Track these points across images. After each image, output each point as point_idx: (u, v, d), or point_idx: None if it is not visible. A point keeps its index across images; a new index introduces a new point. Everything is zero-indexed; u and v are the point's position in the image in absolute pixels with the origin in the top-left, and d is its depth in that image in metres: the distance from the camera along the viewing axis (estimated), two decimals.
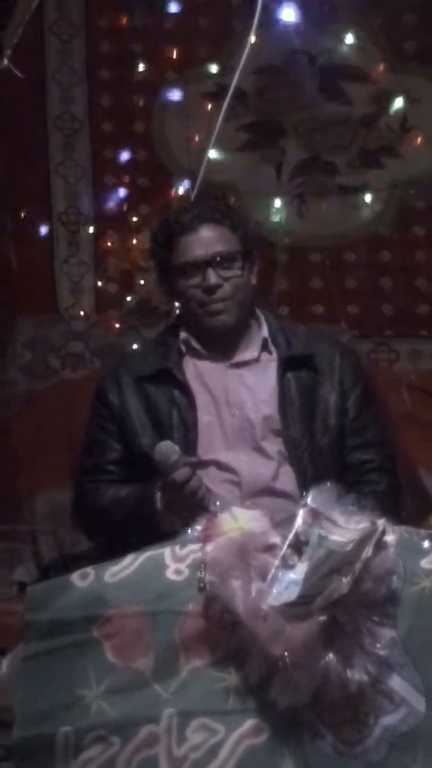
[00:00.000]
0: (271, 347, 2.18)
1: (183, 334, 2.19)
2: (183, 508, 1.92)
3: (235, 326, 2.15)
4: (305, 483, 1.95)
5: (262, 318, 2.22)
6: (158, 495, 1.98)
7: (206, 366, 2.17)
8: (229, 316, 2.13)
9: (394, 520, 1.66)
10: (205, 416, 2.10)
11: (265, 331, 2.19)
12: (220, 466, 2.06)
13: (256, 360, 2.17)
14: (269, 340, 2.18)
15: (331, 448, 2.10)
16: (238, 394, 2.12)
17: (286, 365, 2.14)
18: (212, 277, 2.11)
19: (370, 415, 2.19)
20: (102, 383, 2.21)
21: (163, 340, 2.26)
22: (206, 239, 2.13)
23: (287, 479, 2.05)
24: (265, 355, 2.18)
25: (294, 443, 2.08)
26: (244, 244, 2.17)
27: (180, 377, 2.13)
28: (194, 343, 2.18)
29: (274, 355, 2.16)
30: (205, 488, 1.96)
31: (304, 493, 1.74)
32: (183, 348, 2.18)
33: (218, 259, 2.11)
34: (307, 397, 2.12)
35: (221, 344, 2.17)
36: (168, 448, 1.94)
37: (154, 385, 2.14)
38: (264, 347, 2.18)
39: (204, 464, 2.03)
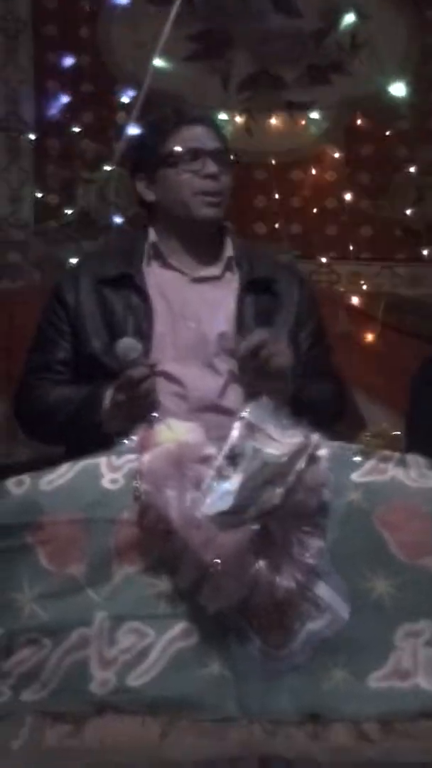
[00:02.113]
0: (235, 268, 2.17)
1: (153, 237, 2.16)
2: (132, 409, 1.91)
3: (217, 224, 2.15)
4: None
5: (228, 238, 2.20)
6: (108, 393, 1.97)
7: (168, 276, 2.15)
8: (220, 211, 2.14)
9: (332, 429, 1.68)
10: (160, 326, 2.09)
11: (230, 251, 2.18)
12: (169, 377, 2.05)
13: (219, 278, 2.16)
14: (234, 260, 2.17)
15: None
16: (197, 308, 2.11)
17: (247, 287, 2.14)
18: (212, 165, 2.11)
19: (323, 347, 2.21)
20: (60, 282, 2.18)
21: (127, 244, 2.23)
22: (206, 134, 2.16)
23: (234, 398, 2.05)
24: (228, 275, 2.17)
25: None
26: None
27: (140, 284, 2.11)
28: (162, 248, 2.15)
29: (237, 275, 2.16)
30: (157, 394, 1.96)
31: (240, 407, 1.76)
32: (150, 252, 2.16)
33: (218, 152, 2.14)
34: (263, 322, 2.11)
35: (189, 253, 2.15)
36: (130, 345, 1.94)
37: (113, 289, 2.11)
38: (228, 267, 2.17)
39: (158, 373, 2.02)
